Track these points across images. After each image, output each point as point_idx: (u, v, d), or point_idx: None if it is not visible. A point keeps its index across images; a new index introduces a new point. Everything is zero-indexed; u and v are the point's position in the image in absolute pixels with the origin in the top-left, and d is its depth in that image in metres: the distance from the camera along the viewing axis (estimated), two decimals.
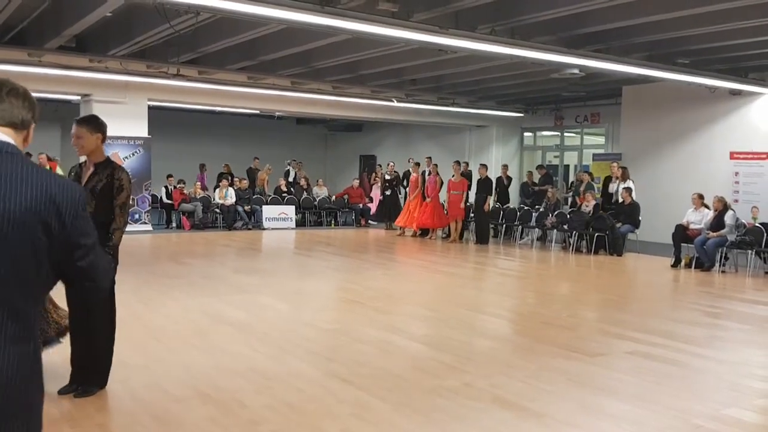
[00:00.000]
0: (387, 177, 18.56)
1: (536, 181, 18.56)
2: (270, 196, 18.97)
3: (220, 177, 18.60)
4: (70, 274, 2.00)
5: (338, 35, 10.67)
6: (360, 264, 12.26)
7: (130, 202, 4.89)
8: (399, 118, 20.82)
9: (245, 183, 18.63)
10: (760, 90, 14.39)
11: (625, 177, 14.82)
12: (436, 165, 16.79)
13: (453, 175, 16.18)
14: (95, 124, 4.68)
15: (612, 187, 14.90)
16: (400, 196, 18.66)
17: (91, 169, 4.70)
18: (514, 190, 18.88)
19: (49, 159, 16.23)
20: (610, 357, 6.20)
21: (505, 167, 18.45)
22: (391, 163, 19.08)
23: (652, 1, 9.21)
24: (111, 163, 4.74)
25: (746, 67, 13.69)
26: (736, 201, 14.01)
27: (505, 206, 17.18)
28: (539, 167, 19.35)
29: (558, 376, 5.48)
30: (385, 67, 14.36)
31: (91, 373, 4.74)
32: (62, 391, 4.69)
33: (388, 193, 18.42)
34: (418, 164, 17.13)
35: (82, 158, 4.80)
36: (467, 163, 17.87)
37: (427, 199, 16.43)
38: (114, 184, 4.64)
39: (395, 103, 18.67)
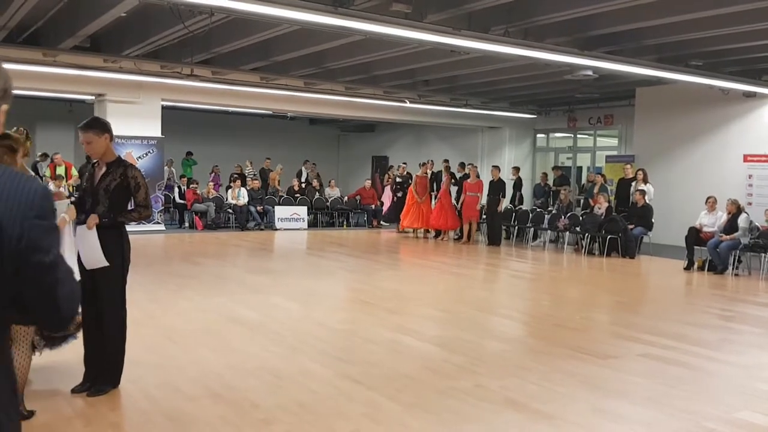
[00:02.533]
0: (398, 179, 18.46)
1: (550, 183, 18.57)
2: (282, 196, 19.02)
3: (232, 177, 18.67)
4: (19, 299, 1.53)
5: (351, 36, 10.69)
6: (372, 265, 12.28)
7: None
8: (411, 119, 20.81)
9: (257, 183, 18.69)
10: None
11: (645, 180, 14.75)
12: (449, 166, 16.78)
13: (469, 177, 16.16)
14: (101, 127, 4.72)
15: (632, 189, 14.86)
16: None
17: (104, 169, 4.74)
18: (525, 192, 18.90)
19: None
20: (622, 359, 6.18)
21: (517, 169, 18.43)
22: (403, 165, 19.03)
23: (665, 3, 9.17)
24: (123, 162, 4.78)
25: (760, 69, 13.62)
26: (750, 203, 13.92)
27: (518, 208, 17.18)
28: (555, 168, 19.34)
29: (570, 378, 5.48)
30: (398, 68, 14.37)
31: (103, 372, 4.77)
32: (75, 390, 4.72)
33: (399, 195, 18.27)
34: (425, 164, 17.14)
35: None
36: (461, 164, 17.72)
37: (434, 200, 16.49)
38: (129, 183, 4.68)
39: (408, 104, 18.67)
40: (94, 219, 4.55)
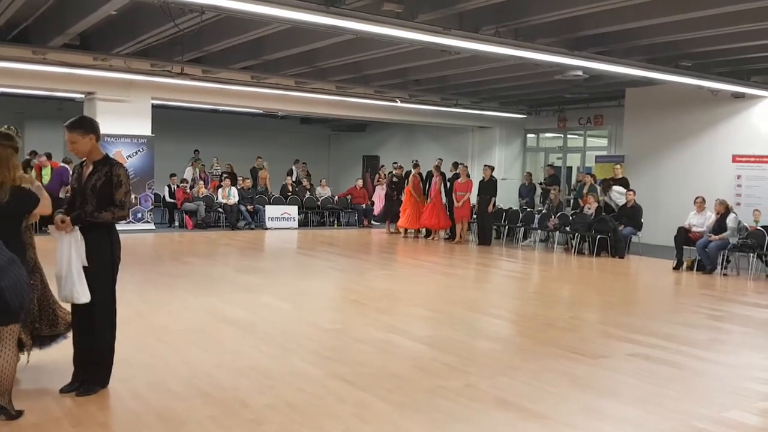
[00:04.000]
0: (395, 179, 18.26)
1: (537, 181, 18.61)
2: (273, 195, 18.98)
3: (222, 176, 18.62)
4: None
5: (342, 35, 10.68)
6: (362, 264, 12.27)
7: (132, 200, 4.90)
8: (402, 119, 20.83)
9: (248, 182, 18.64)
10: (763, 93, 14.38)
11: (606, 189, 14.78)
12: (438, 166, 16.78)
13: (459, 177, 16.18)
14: (87, 126, 4.68)
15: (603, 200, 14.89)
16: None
17: (90, 168, 4.71)
18: (512, 192, 18.97)
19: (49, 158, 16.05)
20: (612, 359, 6.20)
21: (491, 168, 18.03)
22: (401, 166, 18.88)
23: (655, 3, 9.20)
24: (109, 160, 4.75)
25: (749, 69, 13.69)
26: (738, 204, 14.01)
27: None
28: (548, 166, 19.42)
29: (560, 377, 5.49)
30: (389, 68, 14.38)
31: (92, 372, 4.75)
32: (64, 390, 4.70)
33: (395, 195, 17.93)
34: (417, 165, 17.12)
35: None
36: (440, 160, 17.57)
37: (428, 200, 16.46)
38: (113, 181, 4.65)
39: (399, 104, 18.67)
40: (67, 222, 4.53)
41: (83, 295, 4.51)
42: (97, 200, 4.61)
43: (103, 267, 4.64)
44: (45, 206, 4.55)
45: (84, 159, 4.76)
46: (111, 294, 4.72)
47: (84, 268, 4.56)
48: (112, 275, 4.71)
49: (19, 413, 4.24)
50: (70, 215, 4.57)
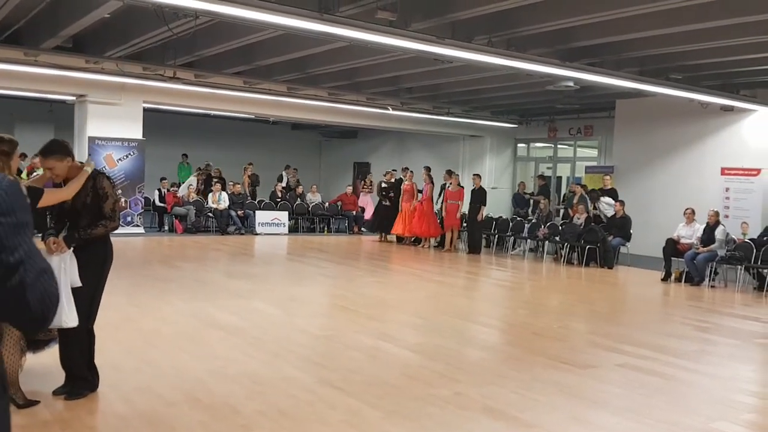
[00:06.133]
0: (384, 185, 18.21)
1: (532, 190, 18.69)
2: (248, 198, 18.87)
3: (210, 181, 18.56)
4: None
5: (335, 42, 10.71)
6: (353, 271, 12.28)
7: (123, 204, 4.88)
8: (394, 126, 20.86)
9: (239, 187, 18.61)
10: (752, 106, 14.50)
11: (594, 200, 14.88)
12: (431, 175, 16.81)
13: (450, 185, 16.24)
14: (63, 151, 4.61)
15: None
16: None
17: None
18: (502, 201, 19.05)
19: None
20: (600, 369, 6.23)
21: (478, 177, 17.89)
22: (392, 171, 18.86)
23: (646, 16, 9.27)
24: (91, 173, 4.71)
25: (738, 83, 13.81)
26: (727, 216, 14.10)
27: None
28: (540, 176, 19.50)
29: (548, 387, 5.51)
30: (382, 75, 14.41)
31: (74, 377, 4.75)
32: (57, 392, 4.69)
33: (386, 202, 17.79)
34: (412, 172, 17.17)
35: None
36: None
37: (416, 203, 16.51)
38: (99, 194, 4.63)
39: (390, 111, 18.70)
40: (61, 245, 4.49)
41: (72, 321, 4.43)
42: (90, 216, 4.59)
43: (87, 286, 4.57)
44: (64, 193, 4.57)
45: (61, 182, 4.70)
46: (88, 309, 4.64)
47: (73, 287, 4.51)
48: (94, 291, 4.66)
49: (30, 403, 4.44)
50: (61, 236, 4.54)
